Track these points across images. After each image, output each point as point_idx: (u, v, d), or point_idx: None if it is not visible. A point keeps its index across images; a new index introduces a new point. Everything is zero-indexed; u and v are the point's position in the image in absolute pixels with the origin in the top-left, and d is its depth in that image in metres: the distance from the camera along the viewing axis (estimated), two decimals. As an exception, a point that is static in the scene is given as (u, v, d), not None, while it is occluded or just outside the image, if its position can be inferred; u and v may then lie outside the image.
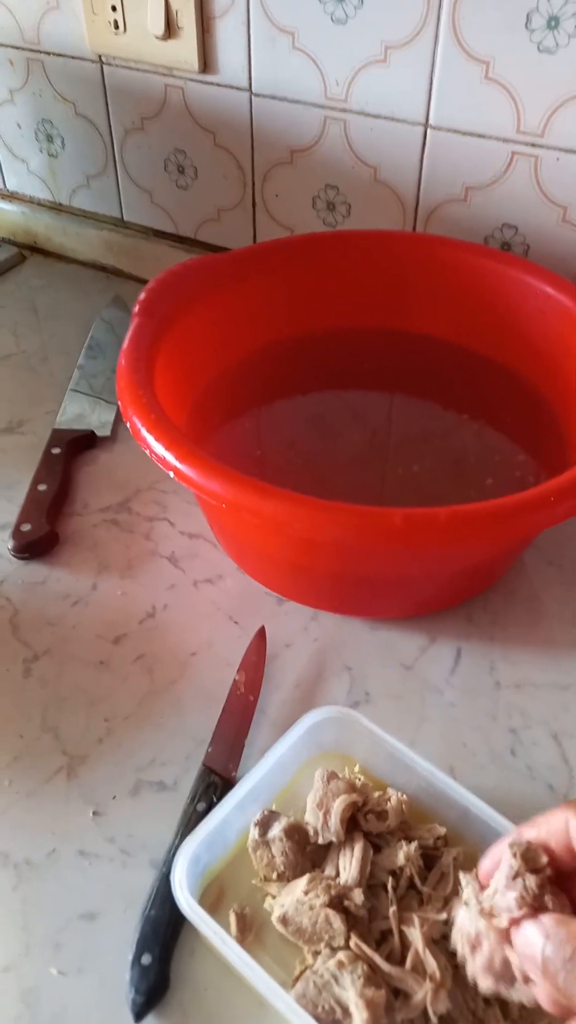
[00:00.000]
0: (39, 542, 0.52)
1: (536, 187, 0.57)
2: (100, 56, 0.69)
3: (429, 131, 0.59)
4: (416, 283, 0.58)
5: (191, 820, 0.39)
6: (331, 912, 0.33)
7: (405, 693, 0.45)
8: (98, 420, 0.62)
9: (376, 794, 0.38)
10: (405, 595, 0.47)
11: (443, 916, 0.33)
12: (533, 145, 0.56)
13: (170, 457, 0.40)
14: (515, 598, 0.50)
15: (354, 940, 0.33)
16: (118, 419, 0.63)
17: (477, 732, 0.44)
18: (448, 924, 0.33)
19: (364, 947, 0.32)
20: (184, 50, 0.64)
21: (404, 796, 0.37)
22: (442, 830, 0.37)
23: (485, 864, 0.29)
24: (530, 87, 0.54)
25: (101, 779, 0.42)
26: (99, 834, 0.40)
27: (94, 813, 0.40)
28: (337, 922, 0.33)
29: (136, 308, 0.50)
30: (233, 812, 0.36)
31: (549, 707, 0.45)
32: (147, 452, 0.42)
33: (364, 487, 0.51)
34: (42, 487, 0.55)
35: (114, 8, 0.66)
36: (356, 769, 0.40)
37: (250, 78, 0.63)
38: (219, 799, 0.39)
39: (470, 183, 0.59)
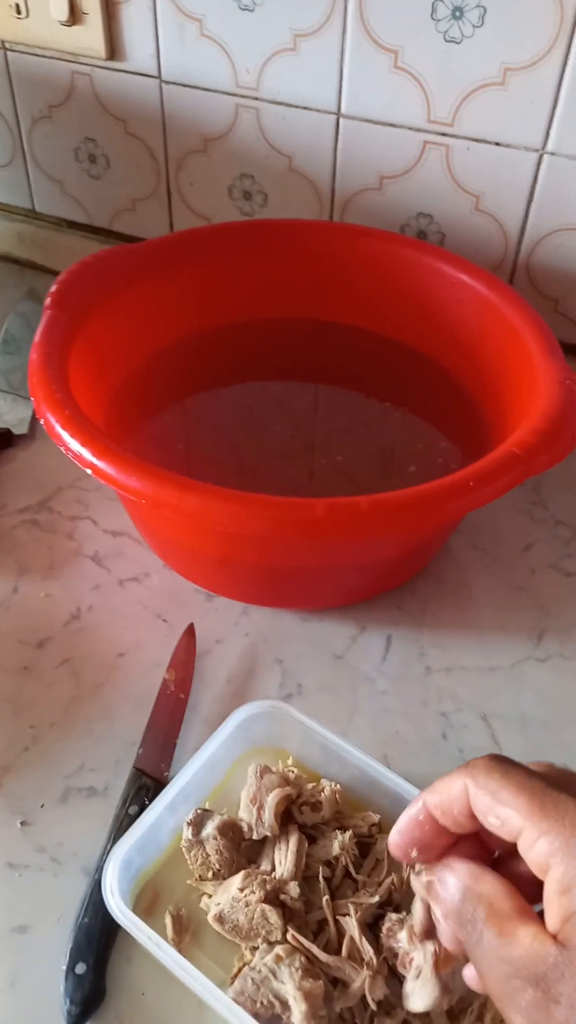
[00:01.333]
0: (-45, 547, 0.50)
1: (449, 176, 0.58)
2: (3, 42, 0.67)
3: (342, 120, 0.59)
4: (335, 273, 0.58)
5: (123, 824, 0.38)
6: (267, 907, 0.33)
7: (337, 683, 0.46)
8: (14, 417, 0.60)
9: (310, 786, 0.38)
10: (333, 585, 0.47)
11: (375, 900, 0.34)
12: (444, 135, 0.56)
13: (86, 454, 0.39)
14: (443, 584, 0.51)
15: (291, 933, 0.33)
16: (35, 416, 0.61)
17: (409, 718, 0.44)
18: (383, 908, 0.34)
19: (301, 939, 0.32)
20: (90, 36, 0.62)
21: (338, 786, 0.37)
22: (376, 817, 0.37)
23: (394, 838, 0.29)
24: (438, 77, 0.54)
25: (28, 788, 0.40)
26: (28, 844, 0.38)
27: (22, 823, 0.39)
28: (273, 916, 0.33)
29: (48, 300, 0.49)
30: (165, 813, 0.36)
31: (478, 690, 0.45)
32: (63, 449, 0.41)
33: (290, 478, 0.51)
34: (-43, 490, 0.53)
35: (15, -9, 0.63)
36: (289, 762, 0.40)
37: (159, 65, 0.62)
38: (151, 801, 0.38)
39: (384, 172, 0.60)
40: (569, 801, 0.25)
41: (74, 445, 0.40)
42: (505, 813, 0.26)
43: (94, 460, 0.39)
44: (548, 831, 0.25)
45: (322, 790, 0.37)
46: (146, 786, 0.39)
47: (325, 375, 0.59)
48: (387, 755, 0.42)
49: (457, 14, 0.51)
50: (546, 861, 0.25)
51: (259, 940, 0.33)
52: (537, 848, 0.25)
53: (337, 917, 0.33)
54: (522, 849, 0.26)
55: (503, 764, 0.27)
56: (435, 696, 0.45)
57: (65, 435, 0.40)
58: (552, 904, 0.24)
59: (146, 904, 0.36)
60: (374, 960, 0.32)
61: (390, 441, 0.53)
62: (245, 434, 0.54)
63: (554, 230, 0.57)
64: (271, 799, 0.36)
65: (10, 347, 0.67)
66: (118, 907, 0.32)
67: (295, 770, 0.39)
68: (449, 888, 0.27)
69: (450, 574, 0.51)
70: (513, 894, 0.26)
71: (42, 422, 0.42)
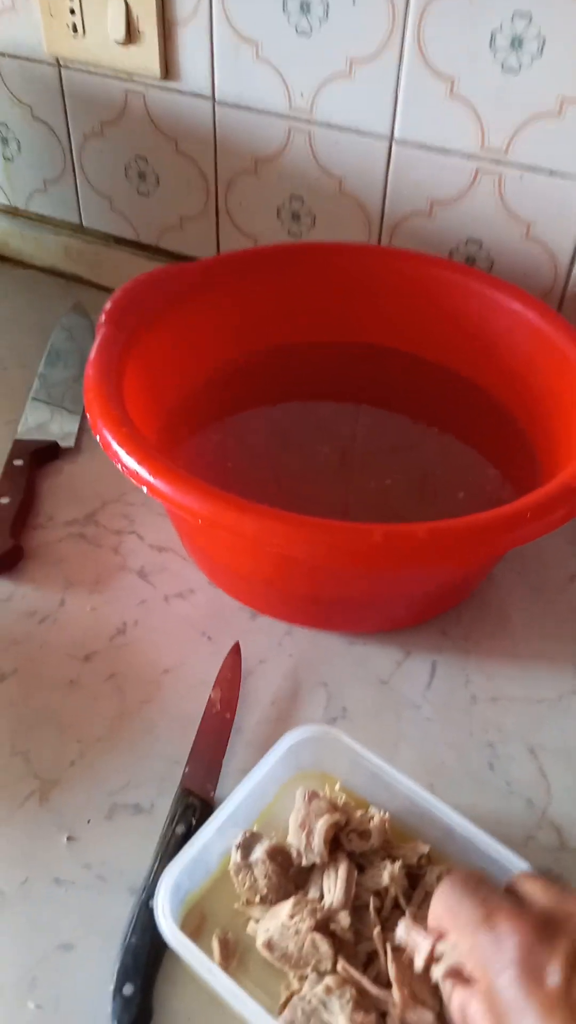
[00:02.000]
0: (3, 557, 0.51)
1: (500, 203, 0.58)
2: (58, 59, 0.68)
3: (394, 145, 0.59)
4: (384, 296, 0.58)
5: (170, 844, 0.38)
6: (318, 936, 0.33)
7: (382, 709, 0.45)
8: (60, 430, 0.61)
9: (358, 813, 0.38)
10: (380, 610, 0.47)
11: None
12: (497, 162, 0.57)
13: (143, 472, 0.39)
14: (487, 612, 0.50)
15: (341, 964, 0.32)
16: (82, 429, 0.61)
17: (455, 748, 0.44)
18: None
19: (352, 971, 0.32)
20: (145, 56, 0.63)
21: (386, 815, 0.37)
22: (425, 848, 0.37)
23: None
24: (494, 105, 0.54)
25: (74, 803, 0.40)
26: (74, 860, 0.38)
27: (68, 839, 0.39)
28: (324, 946, 0.33)
29: (103, 318, 0.49)
30: (214, 835, 0.35)
31: (524, 721, 0.45)
32: (118, 466, 0.41)
33: (335, 501, 0.51)
34: (4, 500, 0.54)
35: (73, 11, 0.64)
36: (337, 788, 0.40)
37: (213, 87, 0.63)
38: (198, 821, 0.38)
39: (435, 198, 0.60)
40: (481, 920, 0.29)
41: (131, 463, 0.40)
42: (452, 929, 0.30)
43: (150, 478, 0.39)
44: (473, 947, 0.29)
45: (371, 818, 0.37)
46: (193, 806, 0.39)
47: (372, 398, 0.59)
48: (433, 784, 0.42)
49: (516, 44, 0.51)
50: (472, 971, 0.29)
51: (308, 969, 0.33)
52: (468, 960, 0.29)
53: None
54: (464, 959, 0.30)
55: (454, 883, 0.31)
56: (481, 726, 0.45)
57: (122, 452, 0.40)
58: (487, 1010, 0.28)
59: (193, 927, 0.35)
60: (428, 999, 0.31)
61: (437, 467, 0.53)
62: (290, 454, 0.54)
63: (605, 259, 0.57)
64: (320, 825, 0.36)
65: (54, 360, 0.68)
66: (170, 930, 0.32)
67: (343, 796, 0.39)
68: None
69: (495, 602, 0.51)
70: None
71: (98, 439, 0.42)
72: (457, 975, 0.29)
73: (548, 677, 0.47)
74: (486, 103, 0.54)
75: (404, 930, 0.32)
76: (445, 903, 0.30)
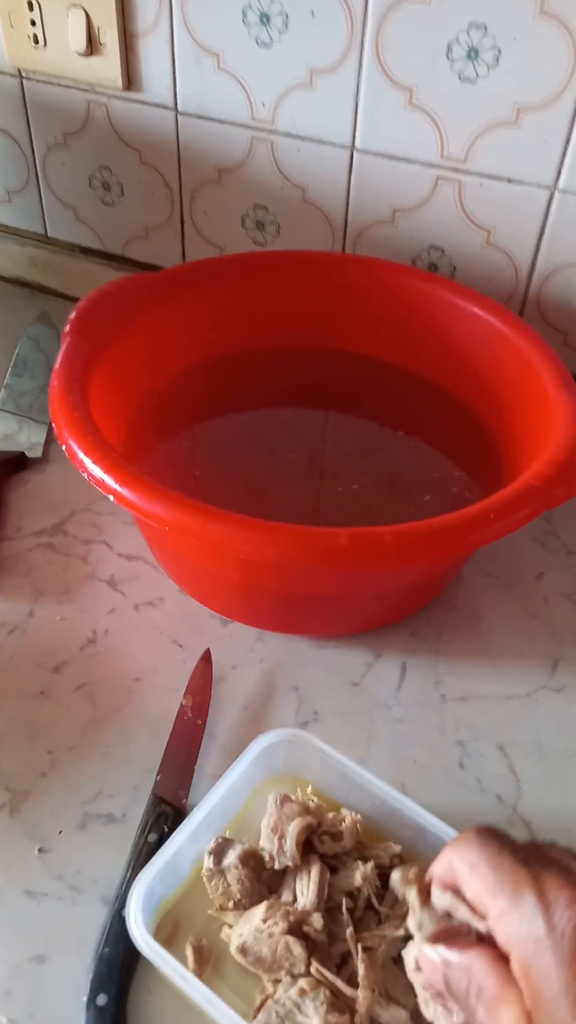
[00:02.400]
0: (-30, 570, 0.50)
1: (460, 211, 0.59)
2: (20, 70, 0.68)
3: (356, 154, 0.60)
4: (348, 303, 0.59)
5: (142, 852, 0.38)
6: (291, 939, 0.33)
7: (353, 711, 0.46)
8: (28, 440, 0.61)
9: (330, 815, 0.38)
10: (350, 612, 0.48)
11: (400, 933, 0.34)
12: (457, 170, 0.57)
13: (109, 480, 0.39)
14: (456, 611, 0.51)
15: (315, 966, 0.32)
16: (49, 440, 0.61)
17: (426, 747, 0.44)
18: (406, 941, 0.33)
19: (326, 972, 0.32)
20: (107, 67, 0.64)
21: (358, 816, 0.37)
22: (397, 848, 0.37)
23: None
24: (452, 115, 0.55)
25: (46, 814, 0.40)
26: (46, 871, 0.38)
27: (40, 850, 0.39)
28: (298, 949, 0.33)
29: (67, 328, 0.49)
30: (186, 842, 0.35)
31: (494, 719, 0.46)
32: (84, 475, 0.41)
33: (304, 506, 0.52)
34: (-29, 512, 0.53)
35: (33, 23, 0.64)
36: (308, 790, 0.40)
37: (175, 97, 0.63)
38: (170, 828, 0.38)
39: (397, 205, 0.61)
40: (528, 881, 0.25)
41: (97, 472, 0.40)
42: (474, 888, 0.26)
43: (117, 487, 0.39)
44: (505, 912, 0.25)
45: (343, 820, 0.37)
46: (165, 813, 0.39)
47: (338, 403, 0.59)
48: (405, 784, 0.42)
49: (472, 55, 0.52)
50: (505, 942, 0.25)
51: (282, 972, 0.33)
52: (497, 927, 0.25)
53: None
54: (489, 925, 0.26)
55: (483, 836, 0.27)
56: (452, 724, 0.45)
57: (88, 461, 0.40)
58: (520, 985, 0.24)
59: (166, 934, 0.35)
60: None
61: (404, 469, 0.54)
62: (258, 460, 0.54)
63: (564, 265, 0.58)
64: (292, 828, 0.36)
65: (22, 370, 0.68)
66: (144, 939, 0.32)
67: (315, 799, 0.39)
68: (432, 964, 0.27)
69: (464, 602, 0.52)
70: (495, 970, 0.25)
71: (64, 448, 0.42)
72: (457, 936, 0.26)
73: (518, 674, 0.48)
74: (445, 112, 0.55)
75: (399, 882, 0.29)
76: (468, 858, 0.26)
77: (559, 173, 0.55)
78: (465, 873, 0.27)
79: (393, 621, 0.50)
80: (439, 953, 0.27)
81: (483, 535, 0.39)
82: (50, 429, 0.62)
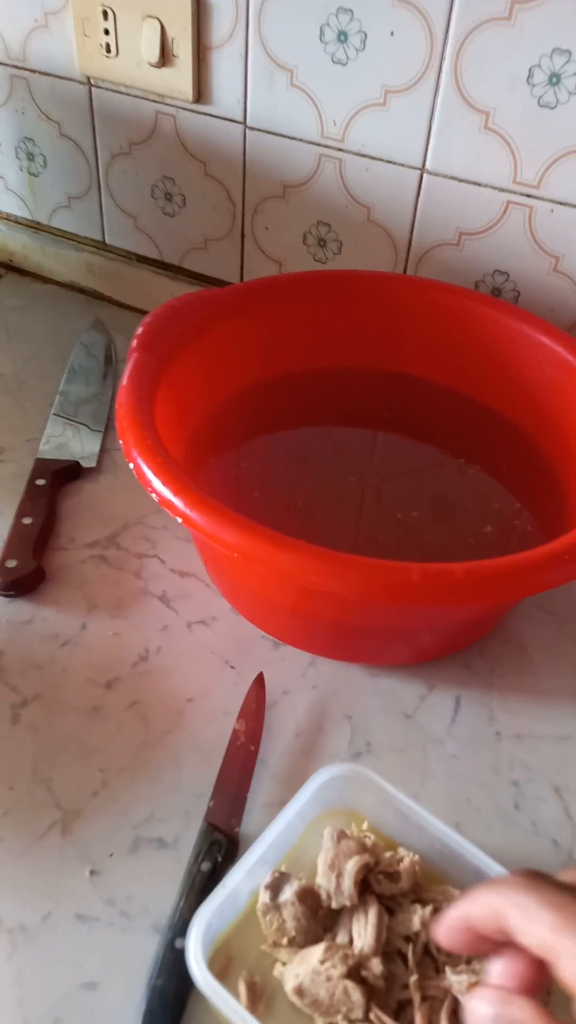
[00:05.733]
0: (25, 579, 0.50)
1: (529, 236, 0.58)
2: (89, 78, 0.68)
3: (425, 176, 0.59)
4: (410, 325, 0.58)
5: (195, 881, 0.37)
6: (350, 984, 0.32)
7: (407, 744, 0.45)
8: (82, 449, 0.61)
9: (387, 854, 0.37)
10: (404, 644, 0.47)
11: (464, 983, 0.33)
12: (528, 196, 0.57)
13: (178, 503, 0.39)
14: (511, 646, 0.50)
15: (375, 1012, 0.32)
16: (103, 449, 0.61)
17: (480, 786, 0.43)
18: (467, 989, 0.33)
19: (385, 1019, 0.32)
20: (178, 79, 0.64)
21: (417, 857, 0.37)
22: (456, 892, 0.36)
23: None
24: (529, 139, 0.55)
25: (97, 835, 0.40)
26: (97, 896, 0.38)
27: (91, 872, 0.39)
28: (356, 994, 0.32)
29: (134, 343, 0.49)
30: (245, 876, 0.35)
31: (550, 759, 0.45)
32: (153, 496, 0.40)
33: (361, 531, 0.51)
34: (27, 520, 0.53)
35: (107, 32, 0.64)
36: (365, 827, 0.40)
37: (245, 111, 0.63)
38: (223, 857, 0.38)
39: (464, 228, 0.60)
40: None
41: (166, 493, 0.40)
42: (535, 931, 0.25)
43: (186, 510, 0.39)
44: (572, 951, 0.24)
45: (400, 859, 0.37)
46: (218, 842, 0.39)
47: (396, 426, 0.59)
48: (459, 823, 0.42)
49: (554, 80, 0.52)
50: (573, 983, 0.24)
51: (339, 1017, 0.32)
52: (564, 969, 0.25)
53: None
54: (552, 967, 0.25)
55: (535, 879, 0.27)
56: (506, 763, 0.45)
57: (157, 482, 0.40)
58: None
59: (219, 969, 0.35)
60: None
61: (464, 499, 0.53)
62: (316, 481, 0.54)
63: None
64: (350, 867, 0.35)
65: (74, 377, 0.68)
66: (203, 976, 0.31)
67: (371, 836, 0.38)
68: (480, 1018, 0.26)
69: (519, 636, 0.51)
70: (542, 1015, 0.25)
71: (131, 466, 0.42)
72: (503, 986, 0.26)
73: (572, 714, 0.47)
74: (521, 137, 0.55)
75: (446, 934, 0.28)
76: (519, 901, 0.26)
77: None
78: (517, 917, 0.26)
79: (448, 653, 0.49)
80: (486, 1005, 0.26)
81: (556, 576, 0.38)
82: (104, 438, 0.62)
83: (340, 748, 0.44)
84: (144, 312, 0.54)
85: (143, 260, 0.76)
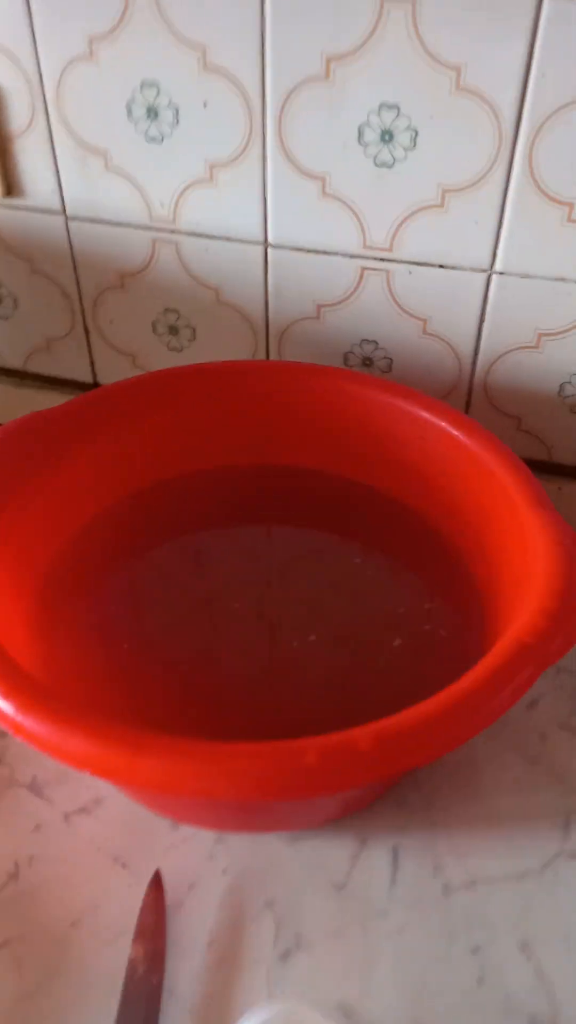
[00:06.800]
0: None
1: (392, 300, 0.53)
2: None
3: (270, 250, 0.54)
4: (279, 414, 0.52)
5: None
6: None
7: (343, 925, 0.38)
8: None
9: None
10: (323, 807, 0.40)
11: None
12: (382, 260, 0.52)
13: (8, 709, 0.31)
14: (447, 767, 0.44)
15: None
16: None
17: (436, 962, 0.36)
18: None
19: None
20: (-16, 174, 0.57)
21: None
22: None
23: None
24: (371, 201, 0.50)
25: None
26: None
27: None
28: None
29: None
30: None
31: (509, 907, 0.38)
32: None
33: (252, 672, 0.43)
34: None
35: None
36: (302, 1072, 0.32)
37: (63, 201, 0.57)
38: None
39: (321, 300, 0.55)
40: None
41: (-7, 695, 0.32)
42: None
43: (15, 716, 0.31)
44: None
45: None
46: None
47: (285, 527, 0.52)
48: (418, 1019, 0.34)
49: (386, 138, 0.47)
50: None
51: None
52: None
53: None
54: None
55: None
56: (462, 924, 0.38)
57: (-19, 681, 0.32)
58: None
59: None
60: None
61: (366, 606, 0.47)
62: (199, 612, 0.47)
63: (510, 349, 0.53)
64: None
65: None
66: None
67: None
68: None
69: (455, 754, 0.44)
70: None
71: (-48, 660, 0.34)
72: None
73: (527, 840, 0.41)
74: (363, 200, 0.50)
75: None
76: None
77: (495, 254, 0.50)
78: None
79: (375, 800, 0.42)
80: None
81: (478, 720, 0.32)
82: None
83: (264, 952, 0.37)
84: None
85: (-18, 369, 0.68)
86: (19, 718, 0.31)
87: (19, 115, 0.54)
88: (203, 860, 0.40)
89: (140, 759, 0.29)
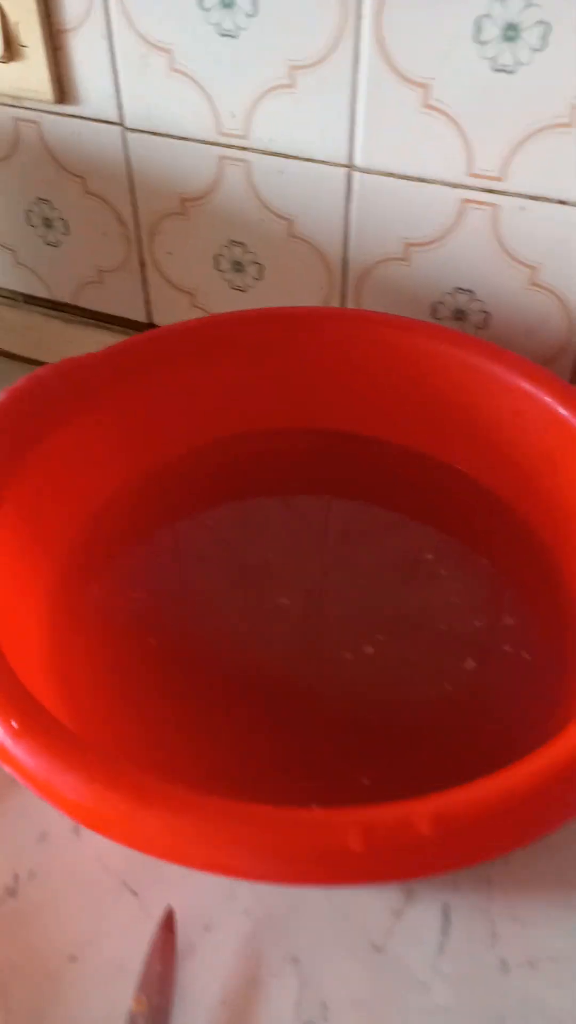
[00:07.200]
0: None
1: (496, 243, 0.45)
2: None
3: (355, 174, 0.45)
4: (346, 372, 0.45)
5: None
6: None
7: (376, 996, 0.32)
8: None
9: None
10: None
11: None
12: (490, 191, 0.43)
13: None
14: (514, 817, 0.37)
15: None
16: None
17: (485, 1064, 0.30)
18: None
19: None
20: (32, 74, 0.50)
21: None
22: None
23: None
24: (484, 117, 0.41)
25: None
26: None
27: None
28: None
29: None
30: None
31: (580, 1004, 0.32)
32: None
33: (295, 688, 0.37)
34: None
35: None
36: None
37: (120, 108, 0.49)
38: None
39: (412, 239, 0.46)
40: None
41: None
42: None
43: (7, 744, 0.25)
44: None
45: None
46: None
47: (342, 502, 0.45)
48: None
49: (510, 35, 0.38)
50: None
51: None
52: None
53: None
54: None
55: None
56: (518, 1011, 0.32)
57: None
58: None
59: None
60: None
61: (433, 614, 0.39)
62: (234, 602, 0.40)
63: None
64: None
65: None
66: None
67: None
68: None
69: (524, 797, 0.38)
70: None
71: None
72: None
73: (605, 910, 0.34)
74: (472, 115, 0.41)
75: None
76: None
77: (633, 192, 0.40)
78: None
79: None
80: None
81: (567, 808, 0.25)
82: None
83: (283, 1018, 0.31)
84: (38, 363, 0.41)
85: (31, 300, 0.62)
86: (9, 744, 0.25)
87: (74, 3, 0.46)
88: (222, 898, 0.34)
89: (141, 809, 0.23)
